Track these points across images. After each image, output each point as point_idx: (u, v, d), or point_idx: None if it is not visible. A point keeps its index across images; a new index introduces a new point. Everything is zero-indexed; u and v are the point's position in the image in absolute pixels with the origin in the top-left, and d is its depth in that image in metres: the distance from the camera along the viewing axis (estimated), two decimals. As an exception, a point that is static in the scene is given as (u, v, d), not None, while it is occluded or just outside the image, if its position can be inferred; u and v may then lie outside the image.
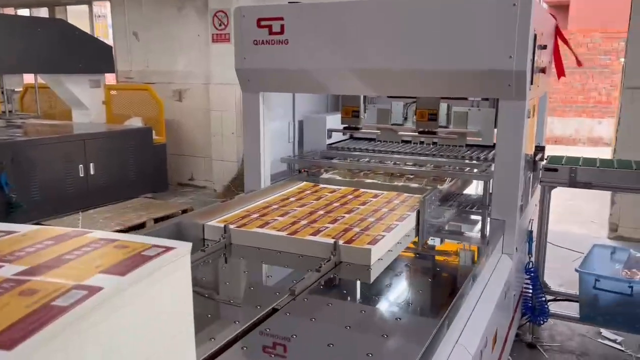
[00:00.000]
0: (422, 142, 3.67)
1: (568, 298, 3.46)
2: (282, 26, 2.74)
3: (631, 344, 3.32)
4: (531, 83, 2.42)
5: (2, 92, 6.24)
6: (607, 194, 5.59)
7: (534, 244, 3.21)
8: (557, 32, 3.32)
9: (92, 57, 6.81)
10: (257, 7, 2.82)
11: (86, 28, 8.74)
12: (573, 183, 2.99)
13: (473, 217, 2.88)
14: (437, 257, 2.43)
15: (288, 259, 2.15)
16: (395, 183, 3.09)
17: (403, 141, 3.75)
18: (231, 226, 2.29)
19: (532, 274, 3.17)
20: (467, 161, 3.27)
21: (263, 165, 3.04)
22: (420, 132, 3.07)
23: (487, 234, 2.54)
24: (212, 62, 7.11)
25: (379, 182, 3.11)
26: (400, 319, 1.66)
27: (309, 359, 1.46)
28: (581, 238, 5.35)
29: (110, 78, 8.08)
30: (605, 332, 3.44)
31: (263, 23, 2.79)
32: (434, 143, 3.62)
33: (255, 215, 2.47)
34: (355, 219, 2.43)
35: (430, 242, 2.48)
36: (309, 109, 3.75)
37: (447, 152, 3.47)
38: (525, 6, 2.26)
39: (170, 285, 0.71)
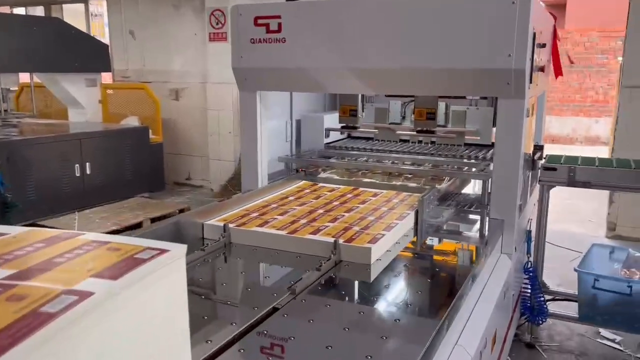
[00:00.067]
0: (420, 141, 3.66)
1: (567, 298, 3.45)
2: (279, 24, 2.72)
3: (630, 344, 3.31)
4: (530, 82, 2.40)
5: (-2, 91, 6.21)
6: (604, 193, 5.58)
7: (532, 244, 3.20)
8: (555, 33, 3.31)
9: (88, 55, 6.78)
10: (254, 5, 2.80)
11: (82, 27, 8.70)
12: (572, 182, 2.98)
13: (472, 216, 2.86)
14: (436, 257, 2.42)
15: (288, 258, 2.14)
16: (394, 182, 3.07)
17: (401, 140, 3.73)
18: (231, 225, 2.28)
19: (531, 274, 3.16)
20: (465, 160, 3.25)
21: (260, 164, 3.02)
22: (418, 131, 3.05)
23: (486, 233, 2.53)
24: (209, 61, 7.08)
25: (377, 181, 3.10)
26: (399, 320, 1.64)
27: (307, 361, 1.44)
28: (579, 237, 5.35)
29: (106, 77, 8.05)
30: (604, 331, 3.43)
31: (260, 21, 2.76)
32: (432, 142, 3.61)
33: (254, 214, 2.46)
34: (354, 217, 2.42)
35: (428, 241, 2.46)
36: (307, 108, 3.74)
37: (445, 151, 3.45)
38: (524, 4, 2.24)
39: (165, 288, 0.69)
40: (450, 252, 2.45)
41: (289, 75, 2.81)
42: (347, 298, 1.91)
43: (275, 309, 1.64)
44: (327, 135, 3.54)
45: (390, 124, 3.45)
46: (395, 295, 1.89)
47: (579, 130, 13.27)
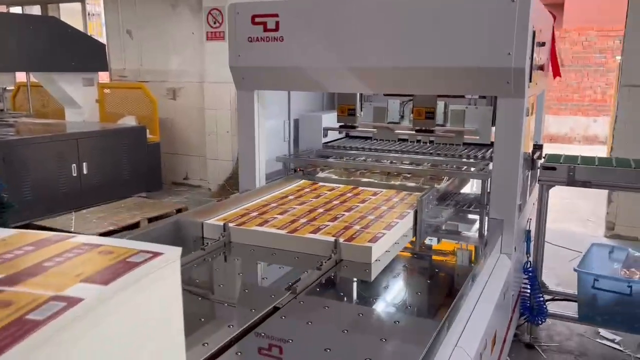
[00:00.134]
0: (418, 141, 3.64)
1: (566, 298, 3.43)
2: (276, 23, 2.70)
3: (630, 344, 3.29)
4: (530, 80, 2.38)
5: (-6, 91, 6.18)
6: (603, 193, 5.57)
7: (532, 244, 3.18)
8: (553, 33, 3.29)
9: (85, 55, 6.74)
10: (251, 4, 2.78)
11: (79, 26, 8.66)
12: (571, 182, 2.96)
13: (471, 216, 2.84)
14: (436, 258, 2.40)
15: (288, 257, 2.13)
16: (392, 182, 3.05)
17: (400, 140, 3.71)
18: (230, 224, 2.27)
19: (531, 274, 3.14)
20: (464, 160, 3.23)
21: (258, 164, 3.00)
22: (417, 131, 3.04)
23: (486, 233, 2.52)
24: (207, 60, 7.05)
25: (376, 181, 3.08)
26: (398, 322, 1.62)
27: (306, 364, 1.42)
28: (578, 237, 5.34)
29: (103, 76, 8.01)
30: (603, 331, 3.42)
31: (257, 20, 2.74)
32: (431, 141, 3.59)
33: (254, 214, 2.46)
34: (355, 216, 2.41)
35: (428, 241, 2.45)
36: (305, 107, 3.72)
37: (444, 150, 3.43)
38: (524, 2, 2.22)
39: (159, 292, 0.67)
40: (450, 252, 2.44)
41: (287, 74, 2.79)
42: (346, 299, 1.89)
43: (276, 309, 1.63)
44: (325, 135, 3.52)
45: (388, 123, 3.43)
46: (394, 296, 1.87)
47: (577, 129, 13.27)
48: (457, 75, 2.42)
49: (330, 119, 3.51)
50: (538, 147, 3.22)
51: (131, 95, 7.41)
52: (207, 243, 2.18)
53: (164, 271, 0.67)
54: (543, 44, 2.74)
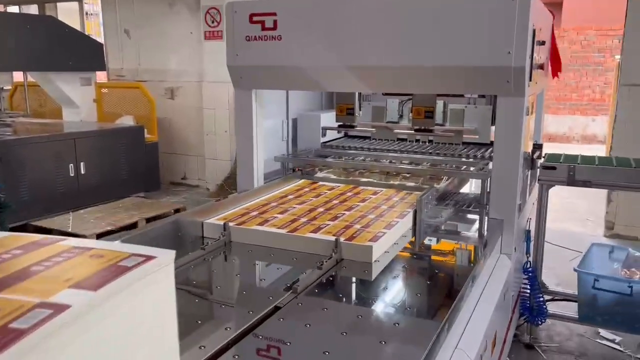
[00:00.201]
0: (418, 140, 3.62)
1: (566, 298, 3.42)
2: (274, 22, 2.67)
3: (630, 344, 3.28)
4: (530, 79, 2.37)
5: (-9, 90, 6.15)
6: (602, 192, 5.56)
7: (531, 244, 3.16)
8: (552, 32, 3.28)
9: (83, 54, 6.71)
10: (249, 2, 2.75)
11: (77, 25, 8.63)
12: (572, 181, 2.94)
13: (470, 216, 2.82)
14: (435, 258, 2.38)
15: (288, 257, 2.13)
16: (391, 182, 3.03)
17: (399, 139, 3.69)
18: (231, 224, 2.27)
19: (530, 274, 3.12)
20: (464, 159, 3.21)
21: (256, 164, 2.98)
22: (416, 130, 3.01)
23: (485, 233, 2.50)
24: (205, 60, 7.02)
25: (375, 180, 3.06)
26: (398, 324, 1.60)
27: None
28: (578, 236, 5.32)
29: (101, 76, 7.98)
30: (603, 332, 3.40)
31: (255, 18, 2.72)
32: (430, 141, 3.57)
33: (254, 213, 2.45)
34: (355, 216, 2.41)
35: (427, 242, 2.43)
36: (303, 106, 3.70)
37: (443, 150, 3.42)
38: (524, 0, 2.20)
39: (151, 297, 0.65)
40: (449, 252, 2.42)
41: (285, 73, 2.77)
42: (346, 300, 1.88)
43: (277, 308, 1.63)
44: (324, 134, 3.50)
45: (387, 122, 3.41)
46: (394, 297, 1.86)
47: (575, 128, 13.26)
48: (456, 74, 2.40)
49: (328, 119, 3.49)
50: (538, 147, 3.21)
51: (129, 95, 7.38)
52: (207, 242, 2.18)
53: (157, 275, 0.65)
54: (543, 43, 2.72)
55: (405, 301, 1.86)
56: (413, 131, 3.04)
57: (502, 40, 2.25)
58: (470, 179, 3.27)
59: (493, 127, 3.31)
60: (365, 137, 3.86)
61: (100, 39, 8.14)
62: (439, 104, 3.12)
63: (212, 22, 6.78)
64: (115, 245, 0.69)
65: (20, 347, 0.45)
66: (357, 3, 2.52)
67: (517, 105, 2.37)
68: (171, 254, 0.68)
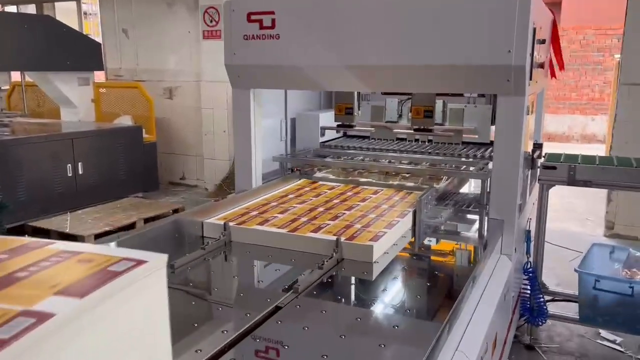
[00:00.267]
0: (417, 140, 3.60)
1: (567, 298, 3.40)
2: (273, 20, 2.65)
3: (631, 345, 3.26)
4: (530, 78, 2.34)
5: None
6: (602, 191, 5.54)
7: (532, 244, 3.14)
8: (554, 28, 3.25)
9: (81, 54, 6.69)
10: (247, 1, 2.73)
11: (75, 25, 8.59)
12: (572, 181, 2.92)
13: (470, 216, 2.80)
14: (435, 259, 2.36)
15: (289, 257, 2.12)
16: (390, 182, 3.01)
17: (398, 139, 3.67)
18: (231, 223, 2.26)
19: (531, 275, 3.10)
20: (463, 159, 3.19)
21: (254, 164, 2.96)
22: (415, 130, 2.99)
23: (485, 234, 2.48)
24: (203, 59, 7.00)
25: (374, 180, 3.04)
26: (397, 326, 1.58)
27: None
28: (578, 236, 5.31)
29: (99, 76, 7.95)
30: (604, 332, 3.38)
31: (253, 17, 2.70)
32: (430, 141, 3.55)
33: (254, 213, 2.45)
34: (355, 215, 2.40)
35: (427, 242, 2.41)
36: (302, 106, 3.67)
37: (443, 150, 3.39)
38: (524, -2, 2.18)
39: (142, 303, 0.63)
40: (449, 253, 2.40)
41: (283, 72, 2.75)
42: (345, 301, 1.86)
43: (278, 308, 1.62)
44: (323, 134, 3.48)
45: (386, 122, 3.39)
46: (394, 299, 1.84)
47: (575, 128, 13.25)
48: (456, 74, 2.38)
49: (327, 118, 3.47)
50: (538, 146, 3.19)
51: (127, 95, 7.35)
52: (208, 242, 2.17)
53: (148, 280, 0.63)
54: (543, 42, 2.70)
55: (405, 302, 1.84)
56: (412, 131, 3.01)
57: (502, 39, 2.23)
58: (470, 179, 3.25)
59: (493, 127, 3.29)
60: (364, 137, 3.84)
61: (100, 39, 8.11)
62: (439, 103, 3.10)
63: (211, 21, 6.76)
64: (106, 249, 0.66)
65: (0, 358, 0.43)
66: (356, 2, 2.49)
67: (518, 104, 2.35)
68: (163, 257, 0.66)
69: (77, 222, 5.42)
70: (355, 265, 2.02)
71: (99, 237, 4.98)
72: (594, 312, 2.99)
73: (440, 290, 2.02)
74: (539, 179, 3.07)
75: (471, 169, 2.98)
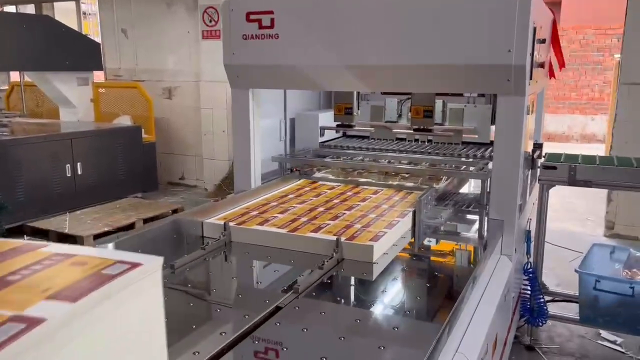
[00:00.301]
0: (416, 140, 3.58)
1: (567, 299, 3.39)
2: (272, 20, 2.64)
3: (631, 345, 3.24)
4: (530, 78, 2.33)
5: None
6: (601, 191, 5.53)
7: (532, 244, 3.13)
8: (554, 27, 3.24)
9: (80, 54, 6.68)
10: (246, 1, 2.72)
11: (74, 25, 8.58)
12: (573, 181, 2.91)
13: (470, 217, 2.79)
14: (435, 259, 2.35)
15: (289, 257, 2.12)
16: (390, 182, 3.00)
17: (397, 139, 3.66)
18: (231, 223, 2.26)
19: (531, 275, 3.09)
20: (463, 159, 3.18)
21: (253, 164, 2.95)
22: (415, 130, 2.98)
23: (485, 234, 2.47)
24: (203, 59, 6.99)
25: (374, 181, 3.03)
26: (397, 328, 1.57)
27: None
28: (577, 236, 5.30)
29: (98, 76, 7.93)
30: (604, 333, 3.37)
31: (252, 17, 2.69)
32: (429, 141, 3.54)
33: (254, 213, 2.44)
34: (355, 215, 2.40)
35: (427, 242, 2.40)
36: (301, 106, 3.66)
37: (442, 150, 3.38)
38: (525, -3, 2.17)
39: (137, 307, 0.61)
40: (449, 253, 2.39)
41: (282, 72, 2.73)
42: (345, 302, 1.85)
43: (278, 308, 1.62)
44: (322, 134, 3.47)
45: (386, 122, 3.38)
46: (393, 300, 1.82)
47: (574, 127, 13.24)
48: (456, 73, 2.37)
49: (327, 118, 3.46)
50: (538, 146, 3.18)
51: (126, 95, 7.34)
52: (208, 242, 2.17)
53: (143, 283, 0.61)
54: (543, 41, 2.69)
55: (405, 304, 1.83)
56: (412, 131, 3.00)
57: (502, 38, 2.22)
58: (470, 179, 3.24)
59: (493, 127, 3.28)
60: (363, 137, 3.82)
61: (99, 39, 8.09)
62: (438, 103, 3.09)
63: (210, 21, 6.75)
64: (100, 252, 0.65)
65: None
66: (355, 1, 2.48)
67: (518, 104, 2.34)
68: (158, 260, 0.65)
69: (76, 222, 5.41)
70: (356, 265, 2.01)
71: (98, 237, 4.97)
72: (595, 313, 2.98)
73: (440, 291, 2.01)
74: (539, 179, 3.06)
75: (471, 169, 2.97)
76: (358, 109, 3.21)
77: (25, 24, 6.16)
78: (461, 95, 3.46)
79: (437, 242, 2.47)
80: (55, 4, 9.39)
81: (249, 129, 2.90)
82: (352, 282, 1.99)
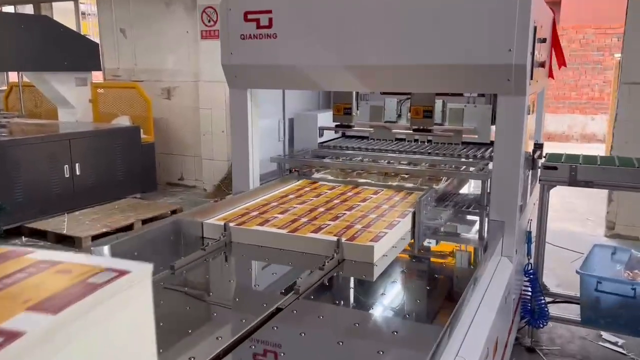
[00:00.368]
0: (416, 140, 3.56)
1: (568, 300, 3.36)
2: (270, 19, 2.62)
3: (633, 347, 3.22)
4: (531, 78, 2.31)
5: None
6: (602, 191, 5.50)
7: (532, 245, 3.10)
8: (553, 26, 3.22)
9: (78, 54, 6.65)
10: (243, 0, 2.69)
11: (73, 25, 8.55)
12: (574, 182, 2.89)
13: (470, 217, 2.77)
14: (435, 261, 2.33)
15: (289, 257, 2.11)
16: (390, 183, 2.98)
17: (397, 139, 3.64)
18: (231, 224, 2.24)
19: (532, 276, 3.06)
20: (463, 160, 3.16)
21: (252, 165, 2.93)
22: (414, 130, 2.96)
23: (486, 235, 2.44)
24: (201, 59, 6.96)
25: (373, 181, 3.01)
26: (397, 332, 1.54)
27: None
28: (578, 236, 5.28)
29: (97, 76, 7.91)
30: (606, 334, 3.35)
31: (250, 17, 2.66)
32: (429, 141, 3.52)
33: (254, 213, 2.43)
34: (356, 215, 2.39)
35: (427, 244, 2.38)
36: (300, 106, 3.64)
37: (442, 150, 3.36)
38: (525, -4, 2.15)
39: (125, 317, 0.59)
40: (449, 255, 2.37)
41: (281, 72, 2.71)
42: (344, 304, 1.83)
43: (279, 310, 1.61)
44: (321, 135, 3.45)
45: (385, 122, 3.36)
46: (393, 303, 1.80)
47: (574, 127, 13.22)
48: (456, 73, 2.35)
49: (326, 118, 3.44)
50: (538, 146, 3.15)
51: (125, 95, 7.32)
52: (208, 243, 2.15)
53: (131, 292, 0.59)
54: (544, 40, 2.67)
55: (405, 307, 1.81)
56: (411, 131, 2.98)
57: (502, 38, 2.20)
58: (470, 180, 3.22)
59: (493, 127, 3.26)
60: (363, 137, 3.80)
61: (99, 39, 8.07)
62: (438, 103, 3.07)
63: (209, 21, 6.72)
64: (87, 259, 0.63)
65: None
66: (354, 0, 2.46)
67: (518, 104, 2.31)
68: (148, 267, 0.62)
69: (75, 223, 5.39)
70: (356, 266, 2.00)
71: (96, 238, 4.95)
72: (596, 314, 2.96)
73: (440, 293, 1.99)
74: (539, 180, 3.04)
75: (471, 169, 2.95)
76: (357, 109, 3.19)
77: (24, 24, 6.13)
78: (461, 95, 3.44)
79: (437, 243, 2.45)
80: (53, 4, 9.37)
81: (247, 130, 2.87)
82: (353, 283, 1.97)
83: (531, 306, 3.11)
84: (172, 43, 7.50)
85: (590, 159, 3.05)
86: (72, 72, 6.68)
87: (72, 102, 6.87)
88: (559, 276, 4.09)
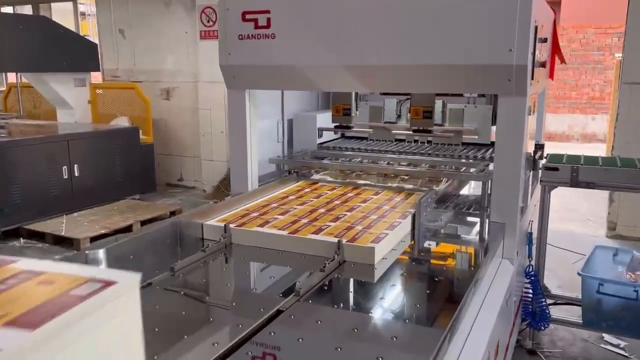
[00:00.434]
0: (416, 141, 3.54)
1: (569, 302, 3.34)
2: (268, 20, 2.59)
3: (635, 349, 3.19)
4: (532, 78, 2.28)
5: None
6: (602, 192, 5.47)
7: (533, 247, 3.08)
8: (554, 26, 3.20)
9: (77, 55, 6.63)
10: (242, 0, 2.67)
11: (72, 26, 8.53)
12: (575, 183, 2.86)
13: (471, 219, 2.74)
14: (435, 263, 2.30)
15: (290, 259, 2.09)
16: (389, 184, 2.95)
17: (397, 140, 3.61)
18: (231, 225, 2.23)
19: (533, 278, 3.04)
20: (463, 160, 3.13)
21: (250, 166, 2.90)
22: (414, 131, 2.93)
23: (487, 237, 2.42)
24: (201, 60, 6.94)
25: (373, 183, 2.98)
26: (396, 337, 1.52)
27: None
28: (579, 237, 5.25)
29: (96, 77, 7.88)
30: (607, 337, 3.32)
31: (248, 17, 2.64)
32: (429, 142, 3.49)
33: (254, 214, 2.42)
34: (356, 217, 2.37)
35: (427, 246, 2.35)
36: (299, 107, 3.62)
37: (442, 151, 3.33)
38: (526, -4, 2.12)
39: (111, 330, 0.56)
40: (450, 257, 2.34)
41: (279, 72, 2.68)
42: (344, 308, 1.80)
43: (279, 312, 1.59)
44: (320, 135, 3.42)
45: (385, 123, 3.34)
46: (393, 306, 1.78)
47: (575, 127, 13.19)
48: (456, 73, 2.32)
49: (325, 119, 3.41)
50: (539, 147, 3.12)
51: (124, 96, 7.29)
52: (208, 244, 2.13)
53: (117, 304, 0.56)
54: (545, 40, 2.64)
55: (405, 312, 1.78)
56: (411, 132, 2.96)
57: (503, 38, 2.17)
58: (471, 181, 3.19)
59: (493, 127, 3.23)
60: (362, 138, 3.78)
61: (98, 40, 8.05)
62: (438, 103, 3.05)
63: (208, 21, 6.70)
64: (72, 268, 0.60)
65: None
66: (353, 0, 2.43)
67: (519, 104, 2.29)
68: (135, 277, 0.60)
69: (73, 224, 5.36)
70: (357, 267, 1.99)
71: (95, 239, 4.92)
72: (598, 317, 2.93)
73: (440, 296, 1.96)
74: (541, 181, 3.01)
75: (471, 170, 2.92)
76: (356, 110, 3.17)
77: (22, 25, 6.11)
78: (461, 95, 3.41)
79: (437, 245, 2.42)
80: (52, 4, 9.34)
81: (246, 131, 2.85)
82: (354, 285, 1.95)
83: (532, 308, 3.08)
84: (171, 43, 7.47)
85: (591, 160, 3.02)
86: (70, 72, 6.66)
87: (71, 103, 6.85)
88: (560, 277, 4.06)
